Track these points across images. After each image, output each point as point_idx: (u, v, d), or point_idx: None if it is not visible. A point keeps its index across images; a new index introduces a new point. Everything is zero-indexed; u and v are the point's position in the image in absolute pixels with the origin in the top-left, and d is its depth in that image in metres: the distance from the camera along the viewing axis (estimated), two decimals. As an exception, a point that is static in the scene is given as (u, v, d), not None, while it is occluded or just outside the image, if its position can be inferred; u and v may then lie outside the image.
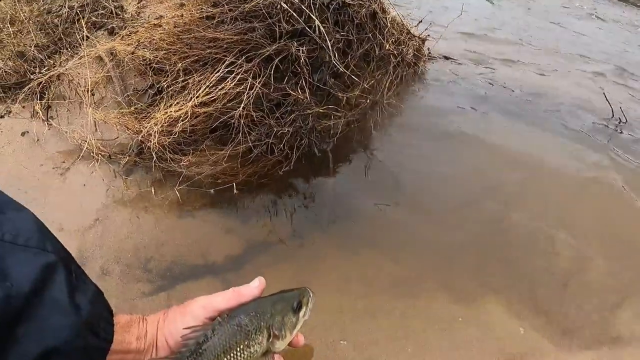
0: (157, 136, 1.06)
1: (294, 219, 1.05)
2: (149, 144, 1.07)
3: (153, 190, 1.05)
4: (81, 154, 1.14)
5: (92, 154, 1.14)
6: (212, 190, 1.05)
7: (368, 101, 1.13)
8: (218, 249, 1.00)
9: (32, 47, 1.40)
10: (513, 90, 1.45)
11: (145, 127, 1.07)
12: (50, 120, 1.27)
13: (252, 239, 1.01)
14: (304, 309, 0.62)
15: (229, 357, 0.58)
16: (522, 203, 1.14)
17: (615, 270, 1.03)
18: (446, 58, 1.42)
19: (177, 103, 1.08)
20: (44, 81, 1.30)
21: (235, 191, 1.03)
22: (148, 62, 1.17)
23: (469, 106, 1.33)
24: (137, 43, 1.14)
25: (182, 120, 1.06)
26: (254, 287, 0.63)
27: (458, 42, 1.62)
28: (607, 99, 1.46)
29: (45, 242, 0.48)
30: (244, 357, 0.58)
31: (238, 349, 0.58)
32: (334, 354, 0.82)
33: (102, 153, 1.12)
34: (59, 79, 1.31)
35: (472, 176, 1.18)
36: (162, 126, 1.07)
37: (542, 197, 1.17)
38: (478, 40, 1.70)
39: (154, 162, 1.07)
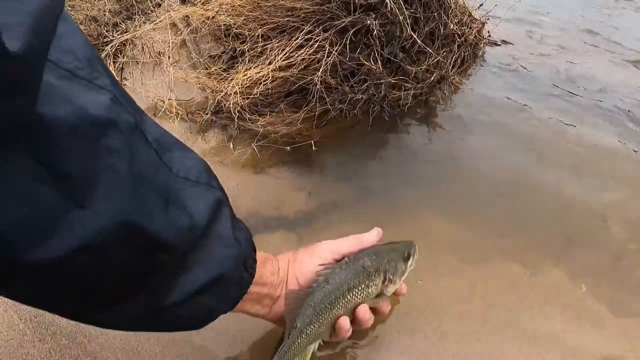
0: (237, 96, 1.11)
1: (361, 181, 1.09)
2: (227, 103, 1.13)
3: (231, 145, 1.10)
4: (159, 112, 1.19)
5: (168, 112, 1.19)
6: (288, 148, 1.09)
7: (435, 75, 1.17)
8: (290, 204, 1.04)
9: (106, 11, 1.46)
10: (578, 86, 1.49)
11: (226, 87, 1.12)
12: (124, 80, 1.33)
13: (321, 198, 1.06)
14: (411, 259, 0.70)
15: (351, 294, 0.65)
16: (580, 184, 1.18)
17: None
18: (505, 42, 1.46)
19: (257, 66, 1.13)
20: (118, 43, 1.35)
21: (313, 148, 1.08)
22: (226, 28, 1.22)
23: (528, 88, 1.38)
24: (218, 8, 1.19)
25: (262, 83, 1.11)
26: (373, 235, 0.71)
27: (518, 26, 1.66)
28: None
29: (212, 180, 0.52)
30: (362, 295, 0.66)
31: (360, 288, 0.65)
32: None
33: (179, 111, 1.18)
34: (133, 43, 1.37)
35: (530, 156, 1.22)
36: (241, 87, 1.12)
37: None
38: (538, 27, 1.73)
39: (235, 120, 1.12)
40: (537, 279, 0.94)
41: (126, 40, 1.36)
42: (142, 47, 1.36)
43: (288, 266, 0.68)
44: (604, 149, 1.24)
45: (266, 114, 1.14)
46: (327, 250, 0.68)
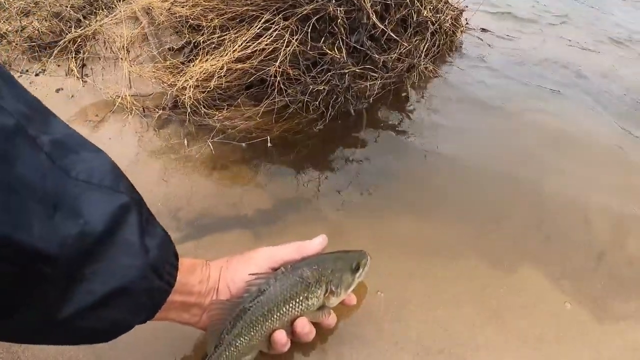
0: (192, 90, 1.05)
1: (325, 178, 1.03)
2: (183, 97, 1.07)
3: (186, 142, 1.05)
4: (114, 108, 1.14)
5: (125, 108, 1.14)
6: (244, 144, 1.03)
7: (405, 63, 1.10)
8: (249, 202, 0.98)
9: (68, 7, 1.41)
10: (559, 75, 1.42)
11: (180, 81, 1.06)
12: (85, 77, 1.28)
13: (283, 196, 1.00)
14: (360, 271, 0.65)
15: (288, 306, 0.61)
16: (561, 176, 1.11)
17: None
18: (484, 30, 1.39)
19: (213, 58, 1.07)
20: (79, 39, 1.31)
21: (269, 144, 1.02)
22: (184, 20, 1.17)
23: (507, 78, 1.30)
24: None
25: (218, 75, 1.05)
26: (317, 244, 0.66)
27: (497, 15, 1.58)
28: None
29: (119, 183, 0.47)
30: (301, 308, 0.61)
31: (297, 300, 0.61)
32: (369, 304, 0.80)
33: (136, 107, 1.12)
34: (94, 37, 1.32)
35: (509, 149, 1.14)
36: (197, 80, 1.06)
37: (582, 171, 1.13)
38: (517, 17, 1.66)
39: (188, 115, 1.06)
40: (513, 280, 0.87)
41: (87, 35, 1.31)
42: (104, 42, 1.31)
43: (220, 273, 0.63)
44: (586, 140, 1.16)
45: (224, 108, 1.08)
46: (264, 257, 0.64)
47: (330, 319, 0.66)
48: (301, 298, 0.61)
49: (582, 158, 1.15)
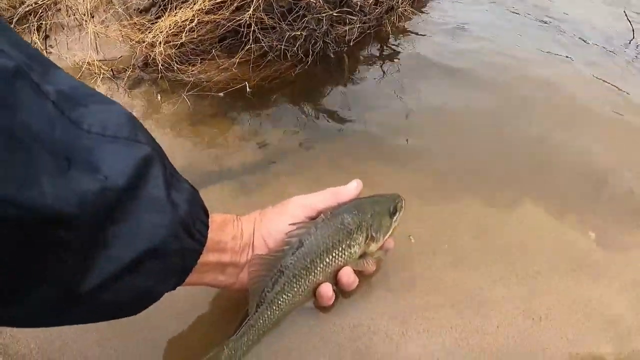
0: (162, 45, 1.00)
1: (309, 126, 0.98)
2: (153, 54, 1.01)
3: (160, 98, 0.99)
4: (81, 74, 1.08)
5: (93, 73, 1.07)
6: (222, 94, 0.98)
7: (383, 6, 1.06)
8: (232, 155, 0.93)
9: (27, -21, 1.34)
10: (546, 17, 1.39)
11: (149, 36, 1.01)
12: (49, 48, 1.21)
13: (267, 146, 0.95)
14: (397, 214, 0.61)
15: (331, 256, 0.56)
16: (549, 118, 1.08)
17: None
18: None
19: (182, 11, 1.02)
20: (40, 10, 1.24)
21: (248, 89, 0.97)
22: (150, -24, 1.11)
23: (491, 13, 1.27)
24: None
25: (189, 28, 0.99)
26: (352, 189, 0.61)
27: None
28: (628, 20, 1.39)
29: (138, 133, 0.41)
30: (344, 258, 0.57)
31: (340, 249, 0.56)
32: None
33: (104, 70, 1.06)
34: (55, 6, 1.25)
35: (495, 90, 1.11)
36: (167, 35, 1.00)
37: (567, 114, 1.11)
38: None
39: (160, 71, 1.01)
40: (516, 216, 0.84)
41: (48, 5, 1.24)
42: (66, 10, 1.24)
43: (254, 227, 0.58)
44: (569, 79, 1.14)
45: (198, 63, 1.02)
46: (299, 206, 0.59)
47: (371, 266, 0.62)
48: (344, 246, 0.56)
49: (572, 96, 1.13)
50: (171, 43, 1.02)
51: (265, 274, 0.55)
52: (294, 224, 0.57)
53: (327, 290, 0.58)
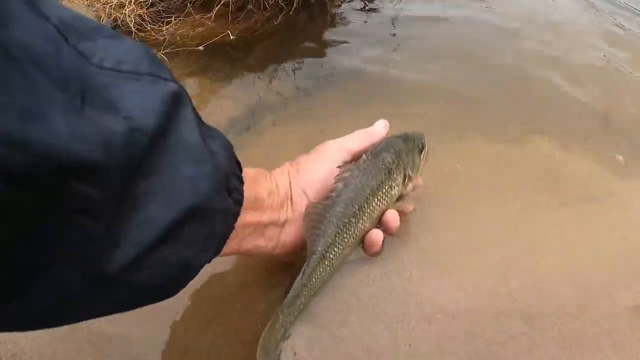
0: (132, 4, 0.93)
1: (295, 76, 0.93)
2: (123, 16, 0.95)
3: (134, 59, 0.92)
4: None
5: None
6: (201, 47, 0.92)
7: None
8: (218, 112, 0.87)
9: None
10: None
11: (117, -4, 0.94)
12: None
13: (252, 100, 0.89)
14: (425, 151, 0.58)
15: (377, 199, 0.52)
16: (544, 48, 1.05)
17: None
18: None
19: (151, -33, 0.95)
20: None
21: (231, 38, 0.91)
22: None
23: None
24: None
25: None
26: (381, 128, 0.56)
27: None
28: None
29: (161, 69, 0.33)
30: (387, 200, 0.53)
31: (384, 190, 0.52)
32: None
33: (71, 38, 0.99)
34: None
35: (486, 23, 1.08)
36: (136, -8, 0.94)
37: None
38: None
39: (133, 32, 0.94)
40: (526, 153, 0.80)
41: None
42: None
43: (289, 179, 0.52)
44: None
45: (172, 21, 0.96)
46: (335, 149, 0.53)
47: (410, 206, 0.57)
48: (387, 188, 0.52)
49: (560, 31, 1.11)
50: (141, 2, 0.96)
51: (317, 224, 0.49)
52: (340, 166, 0.52)
53: (378, 237, 0.53)
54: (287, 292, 0.49)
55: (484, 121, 0.86)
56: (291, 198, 0.51)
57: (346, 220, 0.50)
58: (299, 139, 0.85)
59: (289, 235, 0.51)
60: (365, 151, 0.53)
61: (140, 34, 0.96)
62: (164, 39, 0.94)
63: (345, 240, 0.50)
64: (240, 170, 0.41)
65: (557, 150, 0.83)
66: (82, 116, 0.26)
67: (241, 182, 0.40)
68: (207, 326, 0.54)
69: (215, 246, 0.38)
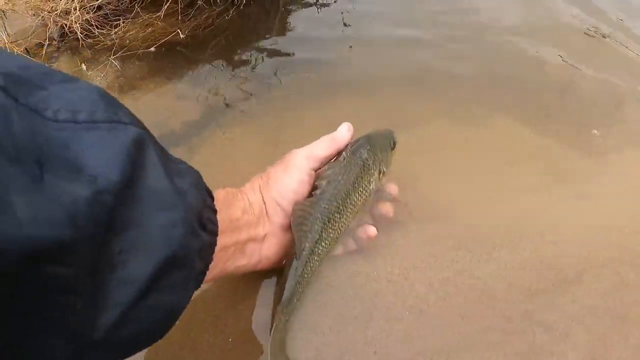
0: (78, 11, 0.90)
1: (255, 71, 0.91)
2: (69, 22, 0.91)
3: (84, 68, 0.90)
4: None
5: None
6: (152, 49, 0.90)
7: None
8: (173, 116, 0.85)
9: None
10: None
11: (61, 3, 0.91)
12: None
13: (208, 100, 0.87)
14: (395, 147, 0.61)
15: (357, 195, 0.54)
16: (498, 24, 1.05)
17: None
18: None
19: (93, -31, 0.92)
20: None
21: (181, 36, 0.89)
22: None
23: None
24: None
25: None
26: (345, 132, 0.56)
27: None
28: None
29: (118, 112, 0.31)
30: (366, 194, 0.55)
31: (363, 185, 0.54)
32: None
33: (18, 50, 0.96)
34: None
35: (439, 5, 1.07)
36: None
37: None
38: None
39: (81, 39, 0.91)
40: (489, 133, 0.80)
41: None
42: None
43: (261, 194, 0.52)
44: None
45: (120, 24, 0.93)
46: (303, 158, 0.54)
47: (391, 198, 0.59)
48: (366, 183, 0.54)
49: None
50: (87, 7, 0.93)
51: (303, 220, 0.51)
52: (325, 165, 0.53)
53: (371, 230, 0.56)
54: (280, 292, 0.50)
55: (447, 105, 0.86)
56: (267, 212, 0.51)
57: (331, 216, 0.51)
58: (261, 135, 0.84)
59: (270, 248, 0.52)
60: (331, 157, 0.55)
61: (88, 40, 0.93)
62: (113, 43, 0.91)
63: (331, 235, 0.52)
64: (212, 198, 0.40)
65: (522, 127, 0.84)
66: (42, 190, 0.25)
67: (214, 211, 0.40)
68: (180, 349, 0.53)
69: (196, 282, 0.38)
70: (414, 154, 0.74)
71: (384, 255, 0.59)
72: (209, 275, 0.40)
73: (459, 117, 0.84)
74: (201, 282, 0.39)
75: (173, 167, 0.35)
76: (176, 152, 0.82)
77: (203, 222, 0.36)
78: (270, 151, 0.81)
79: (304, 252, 0.50)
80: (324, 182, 0.52)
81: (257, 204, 0.51)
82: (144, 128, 0.33)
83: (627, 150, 0.78)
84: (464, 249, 0.60)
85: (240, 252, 0.48)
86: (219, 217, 0.40)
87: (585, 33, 1.06)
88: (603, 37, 1.06)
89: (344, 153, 0.55)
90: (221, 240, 0.41)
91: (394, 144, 0.60)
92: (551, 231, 0.63)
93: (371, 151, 0.55)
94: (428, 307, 0.54)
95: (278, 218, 0.51)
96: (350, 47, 0.95)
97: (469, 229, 0.62)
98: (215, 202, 0.40)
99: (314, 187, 0.53)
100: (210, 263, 0.39)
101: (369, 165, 0.54)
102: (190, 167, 0.38)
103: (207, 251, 0.38)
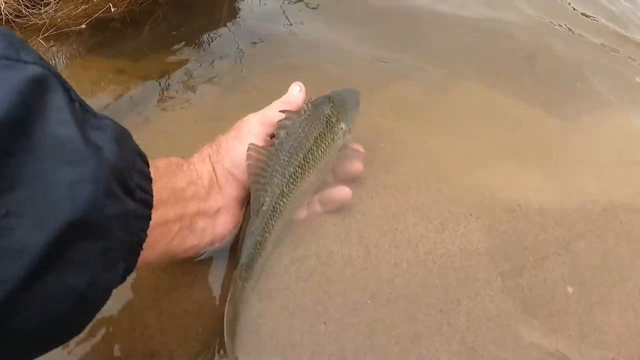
0: (4, -11, 0.84)
1: (194, 47, 0.85)
2: (-2, 2, 0.85)
3: (11, 48, 0.83)
4: None
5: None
6: (83, 25, 0.83)
7: None
8: (105, 95, 0.79)
9: None
10: None
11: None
12: None
13: (150, 78, 0.81)
14: (360, 106, 0.56)
15: (320, 151, 0.48)
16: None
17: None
18: None
19: (22, -55, 0.86)
20: None
21: (112, 10, 0.82)
22: None
23: None
24: None
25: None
26: (297, 93, 0.50)
27: None
28: None
29: (20, 51, 0.26)
30: (330, 153, 0.50)
31: (326, 142, 0.49)
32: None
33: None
34: None
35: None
36: (7, -25, 0.85)
37: None
38: None
39: (9, 20, 0.85)
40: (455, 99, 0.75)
41: None
42: None
43: (211, 163, 0.46)
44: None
45: (52, 1, 0.87)
46: (257, 124, 0.48)
47: (357, 158, 0.54)
48: (329, 140, 0.49)
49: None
50: (16, -14, 0.86)
51: (261, 173, 0.45)
52: (284, 111, 0.47)
53: (345, 191, 0.51)
54: (239, 251, 0.45)
55: (409, 72, 0.81)
56: (218, 183, 0.45)
57: (292, 170, 0.46)
58: (204, 111, 0.78)
59: (225, 224, 0.45)
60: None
61: (18, 20, 0.86)
62: (44, 23, 0.85)
63: (293, 192, 0.46)
64: (146, 163, 0.33)
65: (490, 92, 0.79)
66: None
67: (147, 178, 0.33)
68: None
69: (124, 260, 0.30)
70: (382, 118, 0.69)
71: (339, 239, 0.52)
72: (151, 255, 0.34)
73: (425, 85, 0.79)
74: (134, 261, 0.32)
75: (90, 119, 0.28)
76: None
77: (129, 187, 0.30)
78: (214, 126, 0.76)
79: (262, 208, 0.44)
80: (282, 132, 0.47)
81: (207, 174, 0.45)
82: (55, 73, 0.27)
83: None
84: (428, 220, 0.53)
85: (189, 229, 0.42)
86: (156, 186, 0.34)
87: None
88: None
89: (304, 106, 0.50)
90: (160, 213, 0.35)
91: (358, 102, 0.56)
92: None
93: (334, 107, 0.51)
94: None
95: (232, 190, 0.46)
96: (302, 17, 0.89)
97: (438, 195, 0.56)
98: (152, 170, 0.34)
99: (271, 136, 0.48)
100: (144, 237, 0.32)
101: (332, 121, 0.50)
102: (119, 125, 0.31)
103: (137, 223, 0.31)
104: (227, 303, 0.43)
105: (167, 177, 0.39)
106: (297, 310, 0.45)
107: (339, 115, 0.51)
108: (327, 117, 0.49)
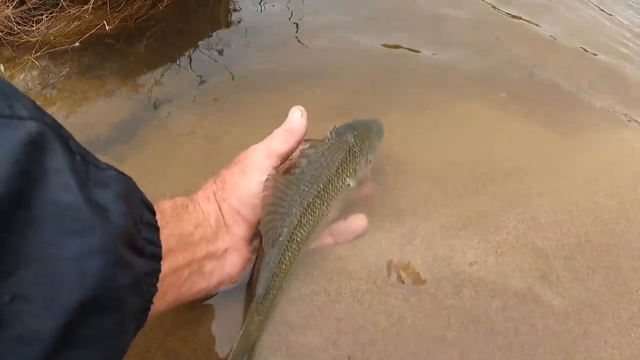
0: (-5, 6, 0.82)
1: (192, 65, 0.84)
2: (-13, 19, 0.83)
3: (2, 68, 0.81)
4: None
5: None
6: (77, 43, 0.82)
7: None
8: (100, 119, 0.77)
9: None
10: None
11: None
12: None
13: (138, 99, 0.80)
14: (383, 136, 0.55)
15: (340, 182, 0.47)
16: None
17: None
18: None
19: (12, -40, 0.84)
20: None
21: (107, 28, 0.81)
22: None
23: None
24: None
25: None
26: (298, 118, 0.48)
27: None
28: None
29: (14, 104, 0.24)
30: (350, 183, 0.48)
31: (348, 172, 0.48)
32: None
33: None
34: None
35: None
36: (-3, -8, 0.82)
37: None
38: None
39: (0, 37, 0.83)
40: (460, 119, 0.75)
41: None
42: None
43: (217, 202, 0.44)
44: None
45: (44, 19, 0.85)
46: (262, 158, 0.46)
47: (373, 189, 0.52)
48: (351, 170, 0.48)
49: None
50: (8, 2, 0.84)
51: (279, 202, 0.43)
52: (307, 140, 0.47)
53: (363, 217, 0.50)
54: (255, 284, 0.44)
55: (403, 97, 0.80)
56: (225, 223, 0.44)
57: (311, 200, 0.44)
58: (200, 131, 0.76)
59: (233, 265, 0.44)
60: (293, 150, 0.48)
61: (9, 37, 0.84)
62: (36, 40, 0.83)
63: (311, 222, 0.45)
64: (152, 211, 0.32)
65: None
66: None
67: (155, 228, 0.31)
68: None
69: (137, 321, 0.29)
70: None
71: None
72: (161, 305, 0.33)
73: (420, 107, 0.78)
74: (144, 320, 0.31)
75: (93, 174, 0.27)
76: (104, 160, 0.75)
77: (138, 246, 0.28)
78: (211, 148, 0.74)
79: (280, 239, 0.43)
80: (304, 161, 0.46)
81: (214, 214, 0.43)
82: (52, 124, 0.25)
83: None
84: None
85: (198, 274, 0.40)
86: (163, 233, 0.32)
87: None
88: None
89: (328, 134, 0.49)
90: (170, 262, 0.34)
91: (381, 132, 0.55)
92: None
93: (358, 137, 0.50)
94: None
95: (239, 229, 0.44)
96: (295, 37, 0.87)
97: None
98: (158, 217, 0.32)
99: (291, 166, 0.47)
100: (154, 293, 0.31)
101: (355, 151, 0.49)
102: (121, 174, 0.30)
103: (147, 280, 0.30)
104: (238, 337, 0.42)
105: (174, 222, 0.38)
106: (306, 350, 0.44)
107: (363, 146, 0.50)
108: (350, 147, 0.48)
